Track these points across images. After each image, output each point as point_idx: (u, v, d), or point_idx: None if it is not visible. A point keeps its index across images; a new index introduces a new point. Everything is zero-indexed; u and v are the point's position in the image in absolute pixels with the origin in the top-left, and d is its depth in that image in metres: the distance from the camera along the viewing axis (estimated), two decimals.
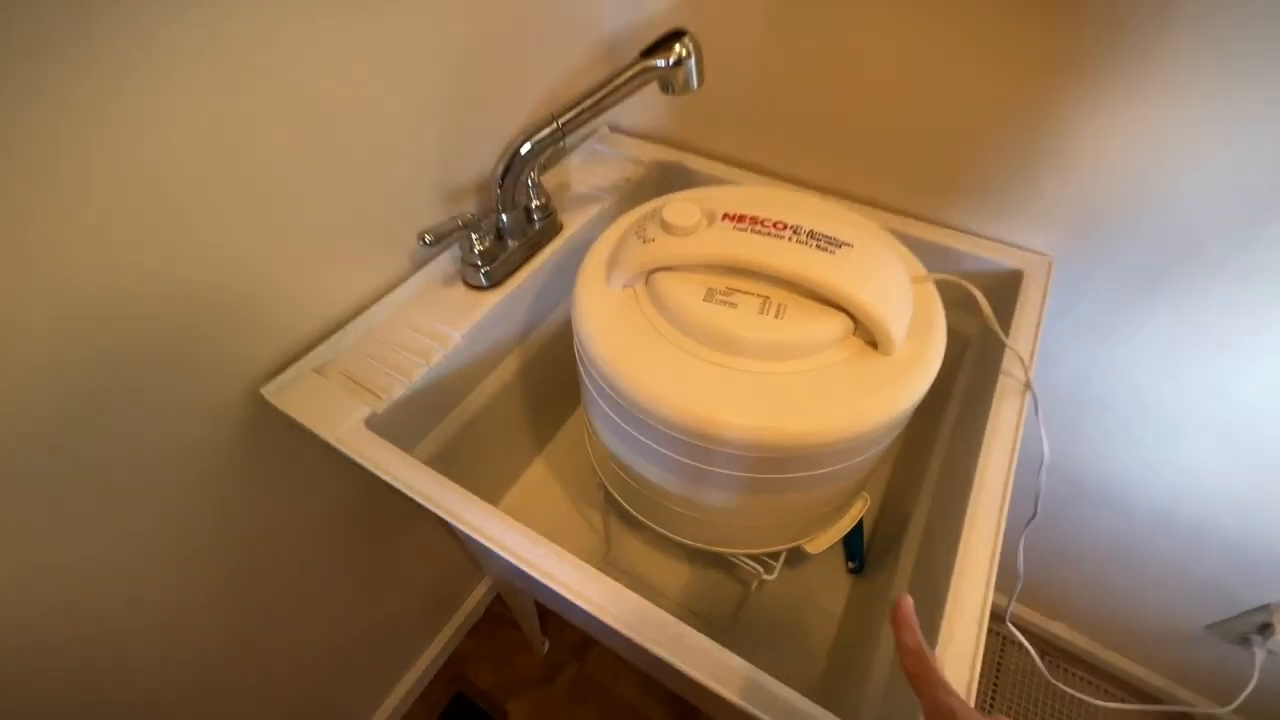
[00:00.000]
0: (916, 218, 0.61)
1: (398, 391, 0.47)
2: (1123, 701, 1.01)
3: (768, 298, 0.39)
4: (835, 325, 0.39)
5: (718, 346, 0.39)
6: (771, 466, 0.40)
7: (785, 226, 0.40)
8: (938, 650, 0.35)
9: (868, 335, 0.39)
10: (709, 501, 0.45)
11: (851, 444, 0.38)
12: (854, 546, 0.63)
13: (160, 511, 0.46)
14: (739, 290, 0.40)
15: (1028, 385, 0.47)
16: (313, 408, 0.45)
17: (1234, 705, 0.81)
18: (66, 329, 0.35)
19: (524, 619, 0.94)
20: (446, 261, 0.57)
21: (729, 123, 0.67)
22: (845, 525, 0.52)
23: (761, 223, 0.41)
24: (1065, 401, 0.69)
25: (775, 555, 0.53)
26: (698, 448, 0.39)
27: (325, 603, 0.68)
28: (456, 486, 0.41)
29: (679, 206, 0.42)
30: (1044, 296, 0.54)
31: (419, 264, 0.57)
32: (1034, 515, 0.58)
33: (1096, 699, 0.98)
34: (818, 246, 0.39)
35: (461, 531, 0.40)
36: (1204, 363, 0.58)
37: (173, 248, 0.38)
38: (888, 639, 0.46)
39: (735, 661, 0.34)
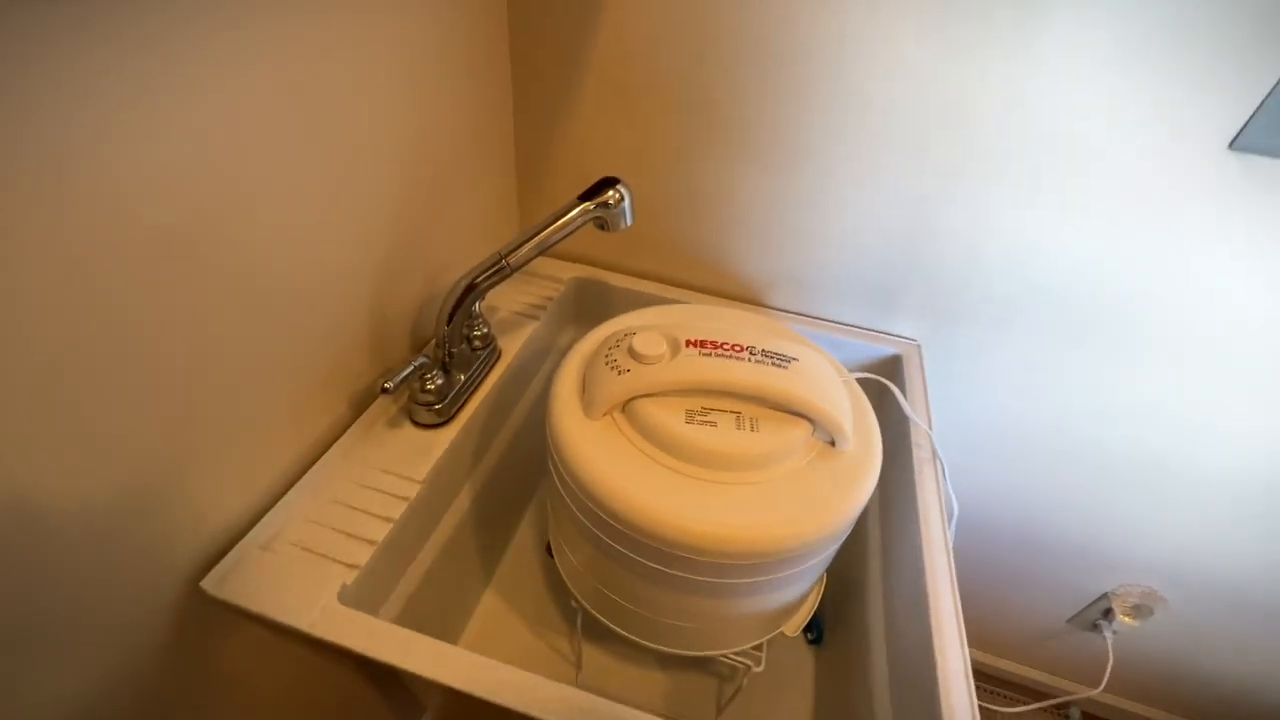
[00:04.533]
0: (809, 316, 0.72)
1: (364, 556, 0.44)
2: (1018, 704, 1.15)
3: (740, 414, 0.44)
4: (799, 432, 0.44)
5: (705, 463, 0.42)
6: (762, 570, 0.43)
7: (741, 349, 0.46)
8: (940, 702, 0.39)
9: (825, 435, 0.45)
10: (703, 610, 0.47)
11: (831, 538, 0.43)
12: (812, 620, 0.67)
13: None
14: (715, 410, 0.44)
15: (935, 454, 0.56)
16: (270, 592, 0.40)
17: (1103, 686, 0.96)
18: None
19: None
20: (387, 402, 0.55)
21: (640, 244, 0.74)
22: (814, 602, 0.56)
23: (721, 346, 0.46)
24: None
25: (759, 646, 0.55)
26: (700, 562, 0.41)
27: None
28: (432, 641, 0.38)
29: (646, 337, 0.46)
30: (923, 376, 0.65)
31: (360, 408, 0.54)
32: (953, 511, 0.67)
33: (1001, 706, 1.11)
34: (773, 364, 0.45)
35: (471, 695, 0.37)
36: (1048, 390, 0.73)
37: (71, 443, 0.32)
38: (877, 706, 0.50)
39: None
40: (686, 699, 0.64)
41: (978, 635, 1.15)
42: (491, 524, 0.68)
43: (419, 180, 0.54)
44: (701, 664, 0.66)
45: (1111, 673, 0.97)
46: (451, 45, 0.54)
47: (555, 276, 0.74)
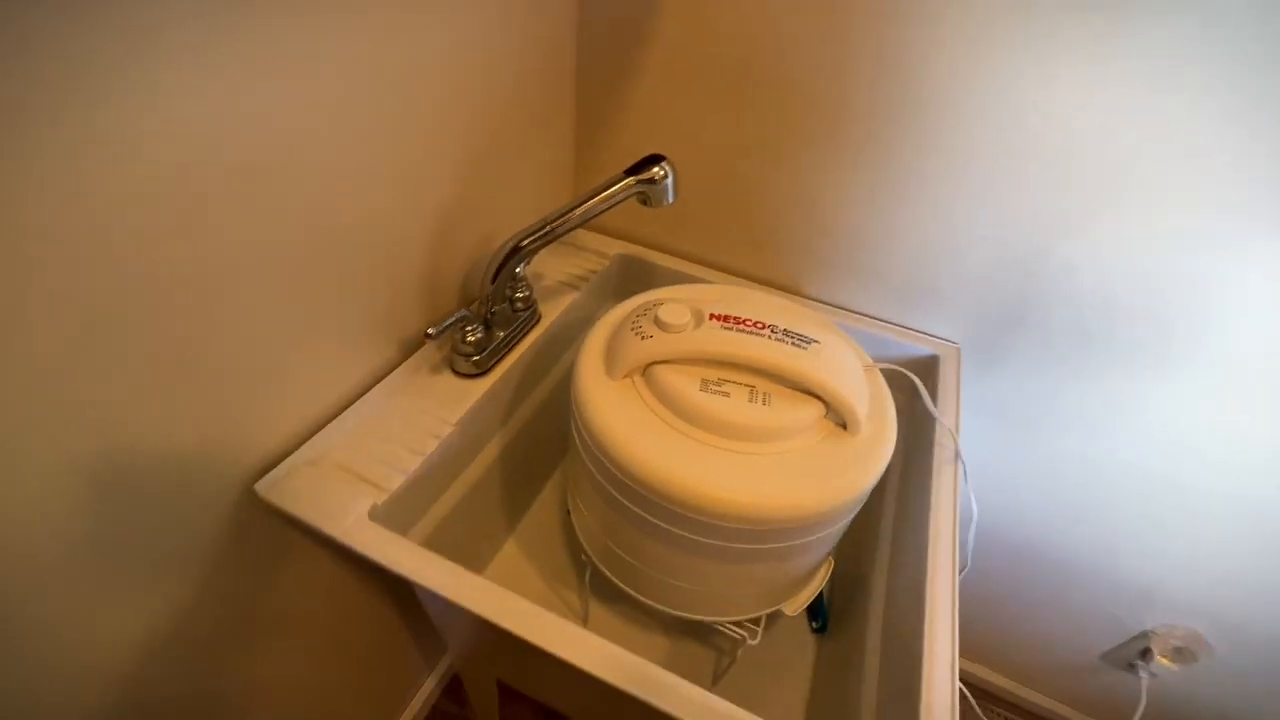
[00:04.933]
0: (848, 310, 0.72)
1: (396, 482, 0.48)
2: None
3: (754, 387, 0.46)
4: (812, 411, 0.45)
5: (716, 431, 0.44)
6: (763, 538, 0.44)
7: (764, 326, 0.47)
8: (922, 699, 0.40)
9: (838, 418, 0.46)
10: (705, 573, 0.49)
11: (831, 515, 0.44)
12: (817, 608, 0.68)
13: (160, 590, 0.43)
14: (730, 381, 0.46)
15: (957, 455, 0.56)
16: (311, 502, 0.45)
17: None
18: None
19: (483, 709, 0.89)
20: (431, 350, 0.59)
21: (686, 225, 0.76)
22: (817, 586, 0.57)
23: (743, 322, 0.47)
24: (980, 468, 0.80)
25: (756, 620, 0.57)
26: (701, 522, 0.43)
27: (275, 685, 0.63)
28: (453, 566, 0.42)
29: (672, 307, 0.48)
30: (958, 378, 0.64)
31: (407, 353, 0.58)
32: (965, 566, 0.66)
33: None
34: (793, 343, 0.46)
35: (442, 601, 0.41)
36: (1092, 425, 0.70)
37: (161, 342, 0.37)
38: (864, 696, 0.51)
39: (724, 706, 0.37)
40: (685, 668, 0.66)
41: (1004, 661, 1.11)
42: (518, 479, 0.72)
43: (478, 147, 0.58)
44: (702, 636, 0.68)
45: (1143, 716, 0.92)
46: (520, 20, 0.57)
47: (602, 251, 0.77)
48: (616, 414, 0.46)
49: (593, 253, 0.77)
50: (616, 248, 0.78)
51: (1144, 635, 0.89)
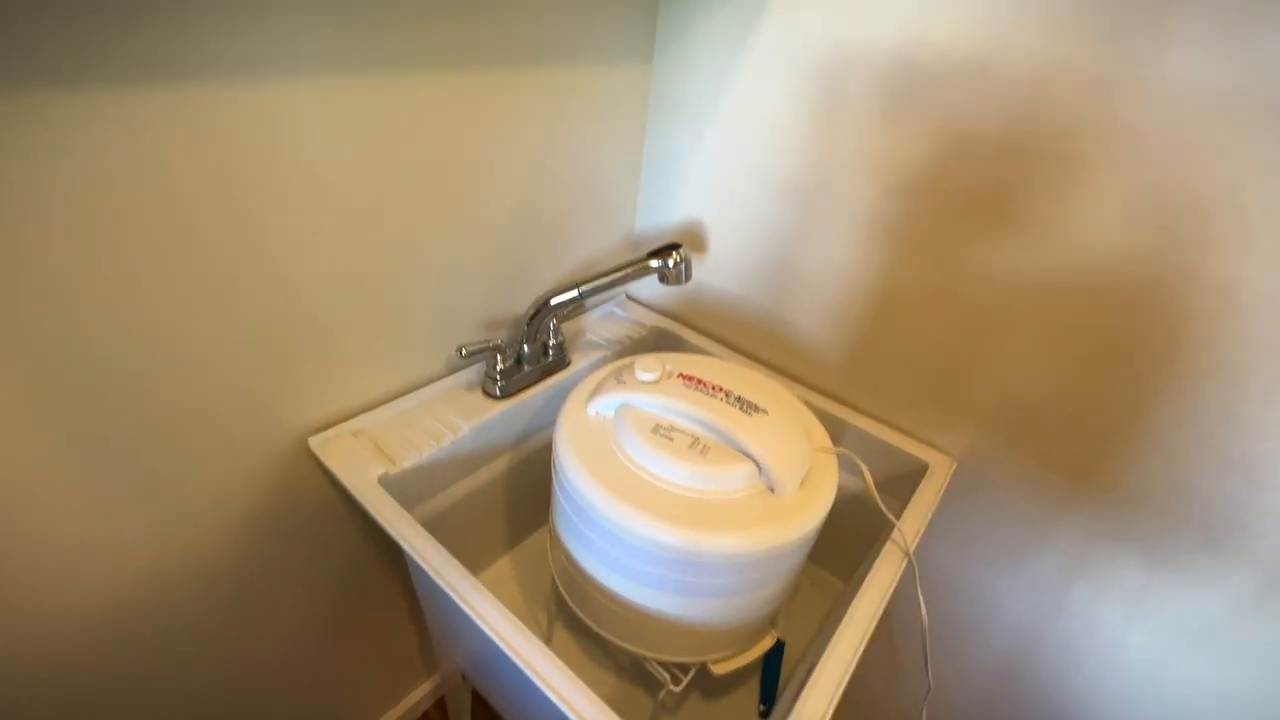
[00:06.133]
0: (854, 407, 0.76)
1: (408, 461, 0.60)
2: None
3: (698, 439, 0.53)
4: (744, 469, 0.51)
5: (655, 467, 0.51)
6: (684, 569, 0.50)
7: (720, 390, 0.55)
8: None
9: (768, 480, 0.52)
10: (630, 595, 0.54)
11: (744, 558, 0.49)
12: (768, 688, 0.68)
13: (207, 515, 0.57)
14: (677, 430, 0.53)
15: (907, 554, 0.57)
16: (341, 460, 0.58)
17: None
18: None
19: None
20: (473, 373, 0.73)
21: (717, 309, 0.85)
22: (751, 655, 0.60)
23: (703, 384, 0.55)
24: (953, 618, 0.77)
25: (684, 669, 0.60)
26: (627, 543, 0.50)
27: (289, 645, 0.74)
28: (438, 544, 0.52)
29: (647, 361, 0.57)
30: (940, 491, 0.65)
31: (452, 370, 0.72)
32: (929, 690, 0.64)
33: None
34: (740, 409, 0.53)
35: (428, 581, 0.50)
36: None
37: (272, 304, 0.52)
38: None
39: None
40: (622, 706, 0.68)
41: None
42: (523, 502, 0.81)
43: (541, 210, 0.73)
44: (648, 687, 0.70)
45: None
46: (599, 108, 0.72)
47: (641, 322, 0.89)
48: (582, 441, 0.55)
49: (633, 321, 0.89)
50: (654, 320, 0.89)
51: None
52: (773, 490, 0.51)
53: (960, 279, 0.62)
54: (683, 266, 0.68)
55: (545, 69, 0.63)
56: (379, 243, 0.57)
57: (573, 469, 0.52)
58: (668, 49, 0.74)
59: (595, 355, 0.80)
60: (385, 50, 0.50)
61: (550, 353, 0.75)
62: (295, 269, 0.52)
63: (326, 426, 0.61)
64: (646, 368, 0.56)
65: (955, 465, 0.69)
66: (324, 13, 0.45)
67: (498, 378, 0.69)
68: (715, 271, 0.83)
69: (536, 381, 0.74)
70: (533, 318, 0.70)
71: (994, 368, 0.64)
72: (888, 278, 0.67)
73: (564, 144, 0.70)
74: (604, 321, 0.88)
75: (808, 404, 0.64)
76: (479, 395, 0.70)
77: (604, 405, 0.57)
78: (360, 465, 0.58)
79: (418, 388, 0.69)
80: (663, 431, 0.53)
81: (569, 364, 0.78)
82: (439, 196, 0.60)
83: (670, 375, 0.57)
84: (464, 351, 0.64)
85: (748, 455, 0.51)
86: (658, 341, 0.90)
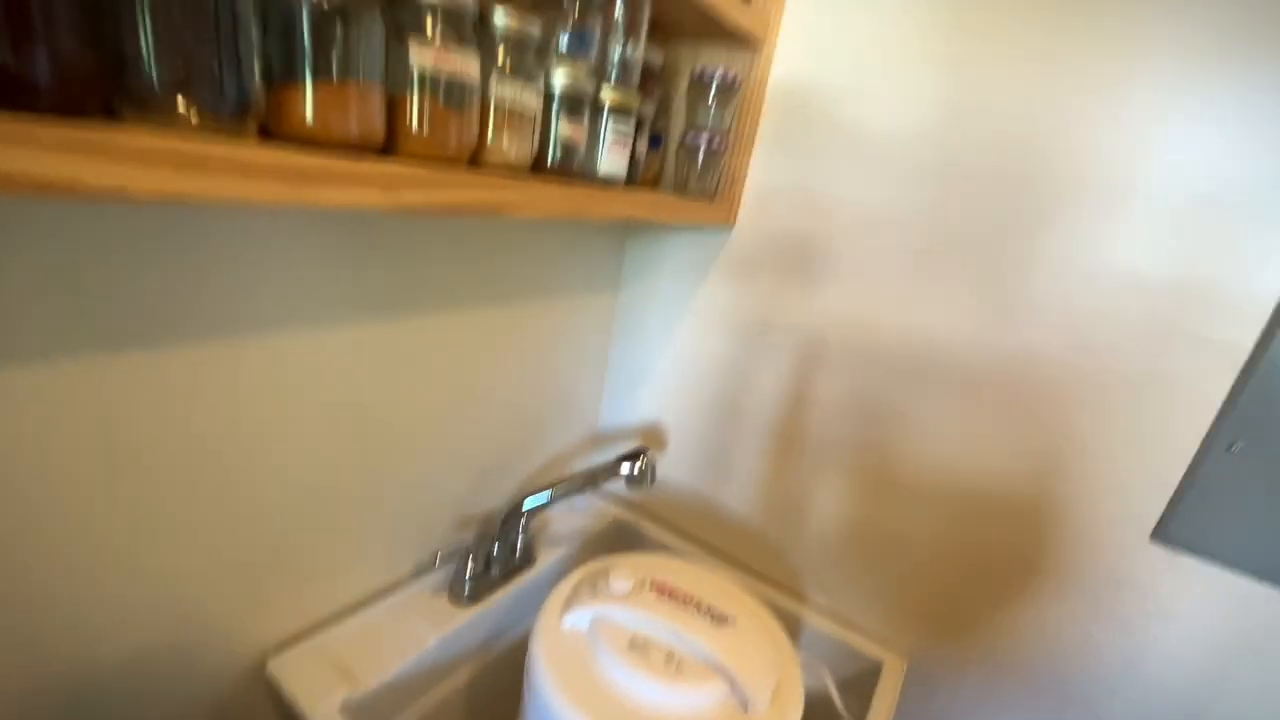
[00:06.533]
0: (807, 601, 0.80)
1: (374, 680, 0.58)
2: None
3: (672, 654, 0.55)
4: (717, 685, 0.53)
5: (630, 686, 0.53)
6: None
7: (691, 600, 0.59)
8: None
9: (743, 699, 0.54)
10: None
11: None
12: None
13: None
14: (653, 645, 0.56)
15: None
16: (303, 685, 0.56)
17: None
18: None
19: None
20: (438, 576, 0.73)
21: (676, 502, 0.91)
22: None
23: (675, 593, 0.59)
24: None
25: None
26: None
27: None
28: None
29: (623, 572, 0.61)
30: (898, 689, 0.68)
31: (418, 573, 0.72)
32: None
33: None
34: (711, 621, 0.57)
35: None
36: None
37: (231, 533, 0.53)
38: None
39: None
40: None
41: None
42: (485, 714, 0.77)
43: (518, 413, 0.79)
44: None
45: None
46: (575, 329, 0.83)
47: (603, 513, 0.92)
48: (557, 654, 0.56)
49: (593, 514, 0.92)
50: (614, 512, 0.93)
51: None
52: (745, 709, 0.53)
53: (878, 505, 0.72)
54: (649, 471, 0.75)
55: (531, 303, 0.74)
56: (358, 465, 0.61)
57: (551, 690, 0.52)
58: (630, 284, 0.88)
59: (560, 551, 0.82)
60: (379, 300, 0.57)
61: (518, 554, 0.77)
62: (262, 493, 0.54)
63: (288, 643, 0.59)
64: (621, 578, 0.60)
65: (906, 665, 0.73)
66: (299, 268, 0.54)
67: (466, 583, 0.70)
68: (673, 465, 0.90)
69: (503, 582, 0.74)
70: (505, 521, 0.72)
71: (917, 566, 0.71)
72: (821, 487, 0.76)
73: (542, 358, 0.79)
74: (566, 514, 0.91)
75: (768, 602, 0.67)
76: (444, 601, 0.70)
77: (579, 619, 0.59)
78: (322, 689, 0.55)
79: (384, 592, 0.68)
80: (638, 646, 0.55)
81: (534, 560, 0.79)
82: (423, 412, 0.66)
83: (643, 585, 0.60)
84: (438, 559, 0.65)
85: (721, 671, 0.54)
86: (619, 534, 0.93)
